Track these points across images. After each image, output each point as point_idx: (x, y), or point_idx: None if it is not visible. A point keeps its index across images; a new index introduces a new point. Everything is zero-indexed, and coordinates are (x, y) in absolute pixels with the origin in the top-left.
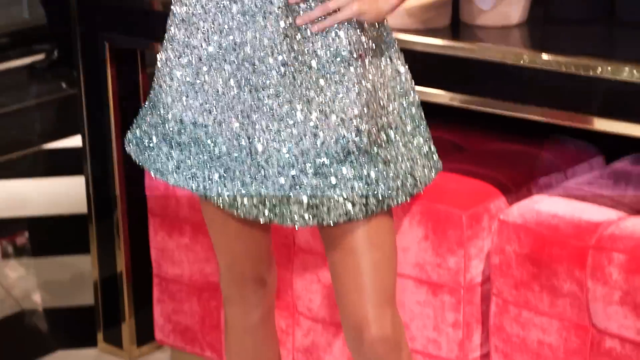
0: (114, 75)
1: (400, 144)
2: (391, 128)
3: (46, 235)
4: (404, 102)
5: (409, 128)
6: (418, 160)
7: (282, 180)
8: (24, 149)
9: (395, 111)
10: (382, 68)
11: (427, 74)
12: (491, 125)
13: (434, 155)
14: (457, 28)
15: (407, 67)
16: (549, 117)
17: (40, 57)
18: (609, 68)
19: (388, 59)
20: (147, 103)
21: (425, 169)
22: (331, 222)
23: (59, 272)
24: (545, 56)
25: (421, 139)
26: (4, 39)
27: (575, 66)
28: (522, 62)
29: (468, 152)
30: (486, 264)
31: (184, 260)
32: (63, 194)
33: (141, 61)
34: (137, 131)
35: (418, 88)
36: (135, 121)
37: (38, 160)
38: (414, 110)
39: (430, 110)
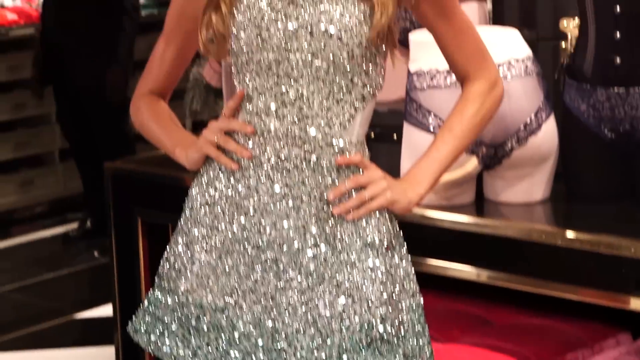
0: (145, 248)
1: (415, 341)
2: (406, 324)
3: None
4: (413, 304)
5: (417, 329)
6: None
7: None
8: (55, 318)
9: (405, 310)
10: (397, 265)
11: (453, 250)
12: (517, 299)
13: None
14: (481, 204)
15: (413, 269)
16: (575, 295)
17: (73, 226)
18: (634, 247)
19: (399, 258)
20: (156, 290)
21: None
22: None
23: None
24: (570, 234)
25: (426, 340)
26: (40, 208)
27: (600, 244)
28: (546, 239)
29: (494, 326)
30: None
31: None
32: None
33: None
34: (147, 317)
35: (444, 264)
36: (141, 308)
37: (69, 330)
38: (419, 312)
39: (457, 283)
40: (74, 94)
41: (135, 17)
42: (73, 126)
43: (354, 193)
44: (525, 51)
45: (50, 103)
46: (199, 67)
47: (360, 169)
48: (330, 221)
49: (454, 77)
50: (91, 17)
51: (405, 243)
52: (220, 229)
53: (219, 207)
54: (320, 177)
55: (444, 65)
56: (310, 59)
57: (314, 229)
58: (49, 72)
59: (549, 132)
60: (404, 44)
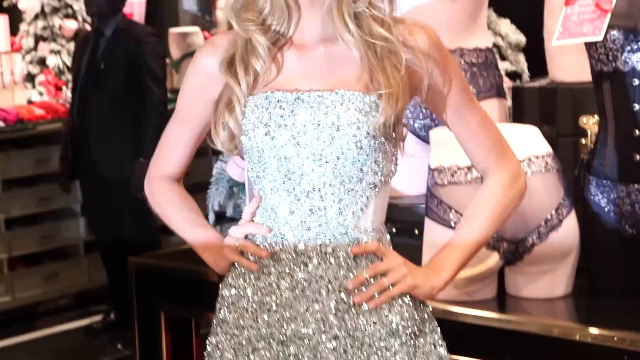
0: (168, 342)
1: None
2: None
3: None
4: None
5: None
6: None
7: None
8: None
9: None
10: (427, 352)
11: (476, 345)
12: None
13: None
14: (503, 300)
15: (448, 355)
16: None
17: (97, 318)
18: None
19: (432, 345)
20: None
21: None
22: None
23: None
24: (592, 330)
25: None
26: (64, 301)
27: (623, 341)
28: (569, 335)
29: None
30: None
31: None
32: None
33: (195, 328)
34: None
35: (467, 359)
36: None
37: None
38: None
39: None
40: (101, 187)
41: (163, 112)
42: (99, 219)
43: (372, 281)
44: (545, 148)
45: (75, 196)
46: (222, 163)
47: (379, 257)
48: (350, 312)
49: (474, 173)
50: (120, 112)
51: (438, 327)
52: (245, 327)
53: (243, 305)
54: (337, 268)
55: (464, 161)
56: (319, 152)
57: (334, 321)
58: (76, 167)
59: (570, 228)
60: (425, 140)
